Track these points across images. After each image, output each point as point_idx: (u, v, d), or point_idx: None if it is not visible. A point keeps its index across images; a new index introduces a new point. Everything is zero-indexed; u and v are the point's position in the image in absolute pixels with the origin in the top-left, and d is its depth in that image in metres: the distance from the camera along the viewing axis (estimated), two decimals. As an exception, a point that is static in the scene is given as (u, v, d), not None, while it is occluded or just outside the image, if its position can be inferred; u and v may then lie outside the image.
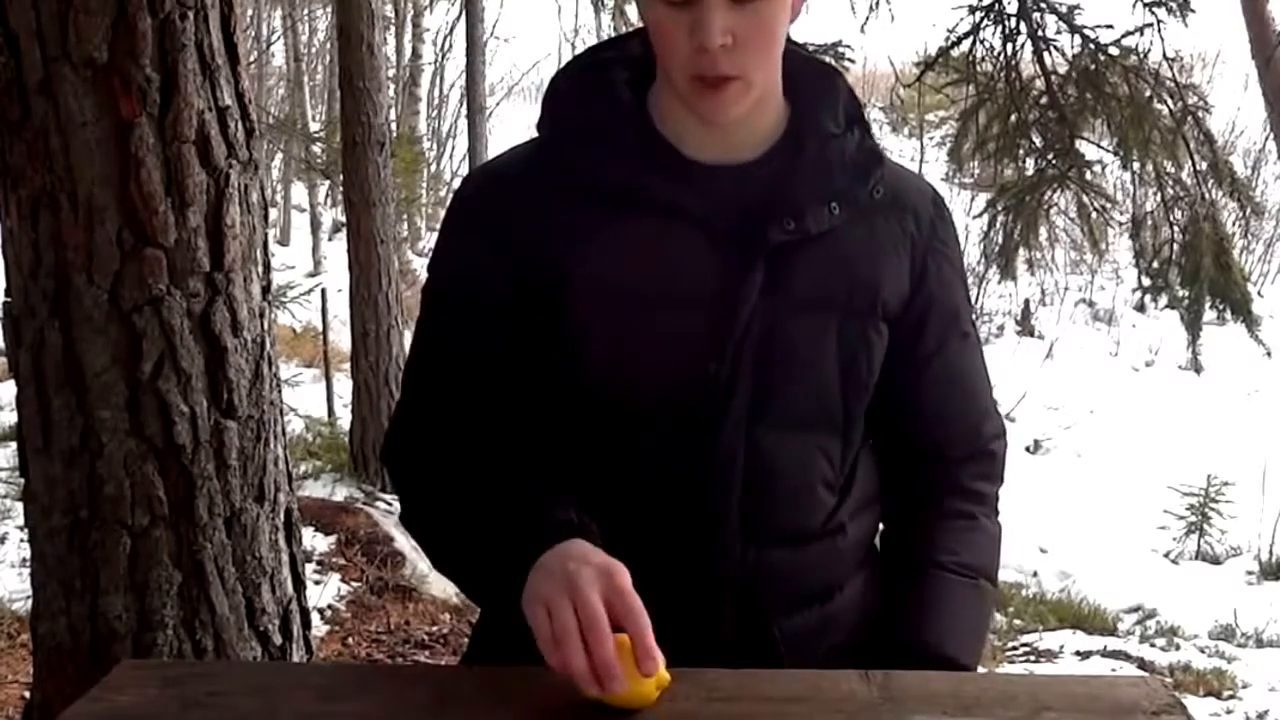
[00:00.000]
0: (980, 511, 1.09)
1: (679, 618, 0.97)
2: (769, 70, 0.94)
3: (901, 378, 1.03)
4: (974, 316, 1.10)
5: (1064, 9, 3.98)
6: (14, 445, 1.89)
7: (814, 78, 1.01)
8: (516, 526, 0.89)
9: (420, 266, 9.73)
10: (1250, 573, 5.37)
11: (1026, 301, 9.67)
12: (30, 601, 1.73)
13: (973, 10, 4.02)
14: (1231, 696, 3.60)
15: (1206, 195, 4.20)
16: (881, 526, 1.09)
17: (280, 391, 1.81)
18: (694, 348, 0.92)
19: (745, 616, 0.98)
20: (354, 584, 3.20)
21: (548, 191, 0.97)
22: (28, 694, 2.07)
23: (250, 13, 10.32)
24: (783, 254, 0.95)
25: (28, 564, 1.78)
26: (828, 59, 3.96)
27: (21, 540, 3.00)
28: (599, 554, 0.84)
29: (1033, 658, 3.88)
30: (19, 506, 2.15)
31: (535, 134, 1.01)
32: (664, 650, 0.97)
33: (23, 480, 1.70)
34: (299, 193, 12.10)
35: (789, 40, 0.98)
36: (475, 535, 0.92)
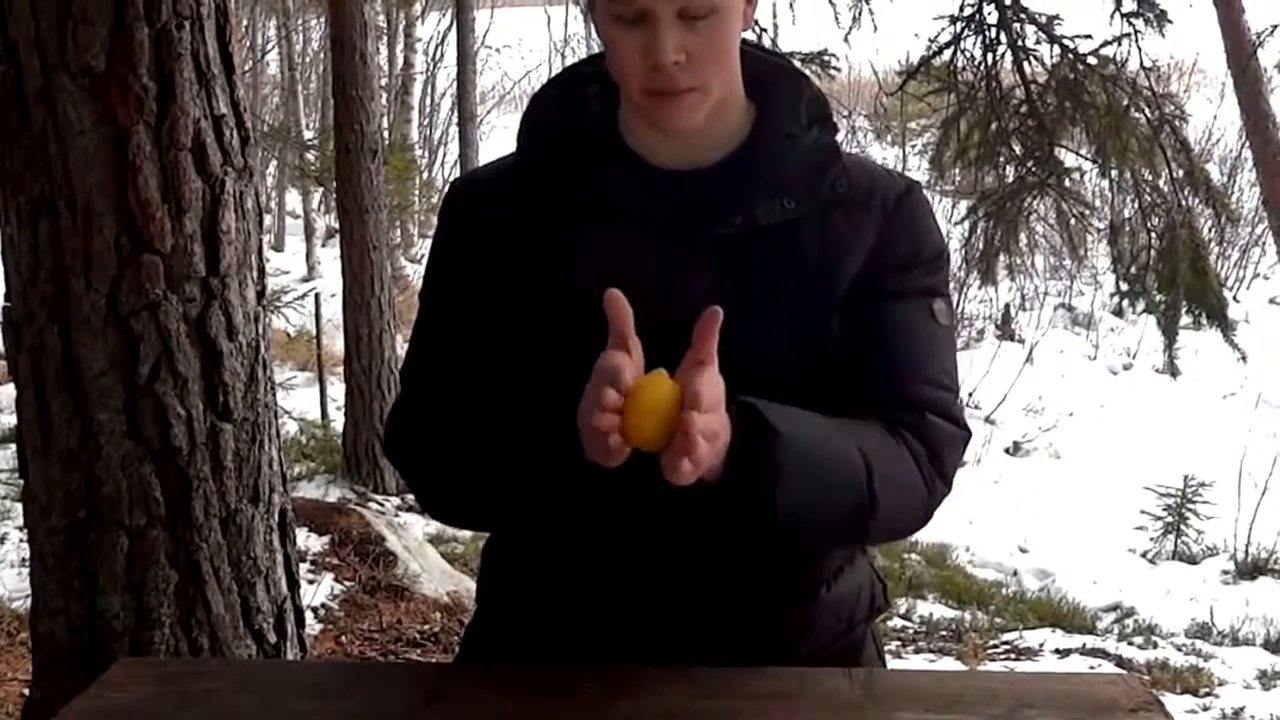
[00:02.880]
0: (902, 440, 0.96)
1: (661, 614, 0.99)
2: (726, 78, 0.96)
3: (846, 336, 0.98)
4: (950, 306, 1.04)
5: (1043, 19, 4.04)
6: (14, 447, 1.91)
7: (778, 81, 1.02)
8: (549, 424, 0.90)
9: (412, 272, 9.74)
10: (1226, 572, 5.43)
11: (1007, 306, 9.75)
12: (30, 600, 1.76)
13: (954, 20, 4.07)
14: (1208, 694, 3.65)
15: (1183, 202, 4.26)
16: None
17: (275, 394, 1.83)
18: (646, 347, 0.92)
19: (728, 610, 1.00)
20: (347, 583, 3.22)
21: (521, 200, 1.00)
22: (28, 691, 2.07)
23: (245, 23, 10.29)
24: (732, 250, 0.96)
25: (27, 564, 1.79)
26: (811, 67, 4.01)
27: (21, 540, 3.00)
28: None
29: (1013, 656, 3.92)
30: (19, 507, 2.17)
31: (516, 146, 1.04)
32: (651, 646, 0.99)
33: (22, 481, 1.72)
34: (293, 199, 12.06)
35: (758, 46, 1.01)
36: (503, 460, 0.94)
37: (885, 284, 0.99)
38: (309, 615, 2.55)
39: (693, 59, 0.92)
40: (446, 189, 1.11)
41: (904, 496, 0.95)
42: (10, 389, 1.77)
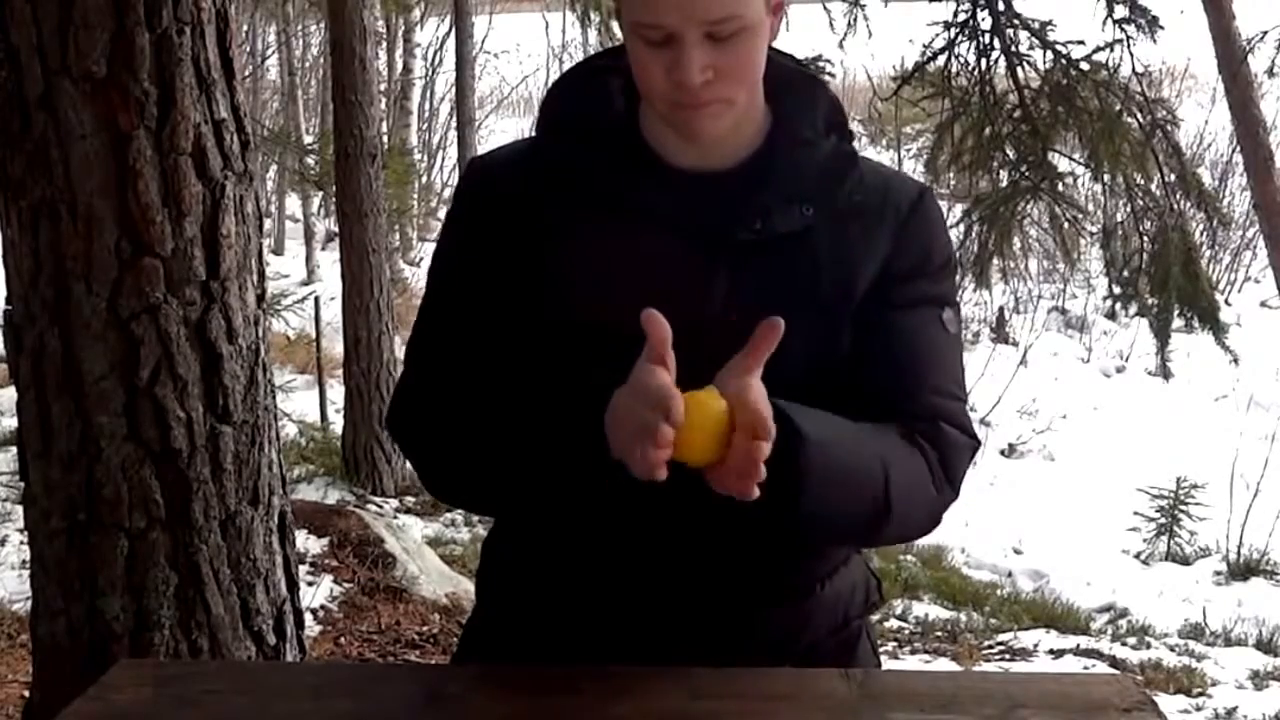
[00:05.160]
0: (918, 447, 0.97)
1: (659, 609, 1.00)
2: (750, 90, 0.97)
3: (856, 345, 0.99)
4: (958, 314, 1.05)
5: (1036, 25, 4.06)
6: (14, 450, 1.92)
7: (797, 87, 1.03)
8: (564, 415, 0.91)
9: (411, 275, 9.77)
10: (1219, 573, 5.45)
11: (1001, 309, 9.78)
12: (30, 602, 1.76)
13: (948, 26, 4.09)
14: (1201, 694, 3.66)
15: (1175, 206, 4.28)
16: None
17: (274, 397, 1.84)
18: None
19: (726, 609, 1.01)
20: (346, 585, 3.24)
21: (533, 187, 1.00)
22: (28, 693, 2.08)
23: (245, 28, 10.28)
24: (749, 254, 0.97)
25: (28, 566, 1.80)
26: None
27: (22, 542, 3.00)
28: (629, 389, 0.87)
29: (1007, 656, 3.93)
30: (19, 509, 2.18)
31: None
32: (649, 641, 1.01)
33: (23, 484, 1.73)
34: (293, 203, 12.05)
35: (774, 50, 1.01)
36: (520, 444, 0.94)
37: (896, 293, 1.00)
38: (308, 617, 2.56)
39: (720, 76, 0.93)
40: (465, 167, 1.11)
41: (917, 503, 0.97)
42: (11, 392, 1.78)
